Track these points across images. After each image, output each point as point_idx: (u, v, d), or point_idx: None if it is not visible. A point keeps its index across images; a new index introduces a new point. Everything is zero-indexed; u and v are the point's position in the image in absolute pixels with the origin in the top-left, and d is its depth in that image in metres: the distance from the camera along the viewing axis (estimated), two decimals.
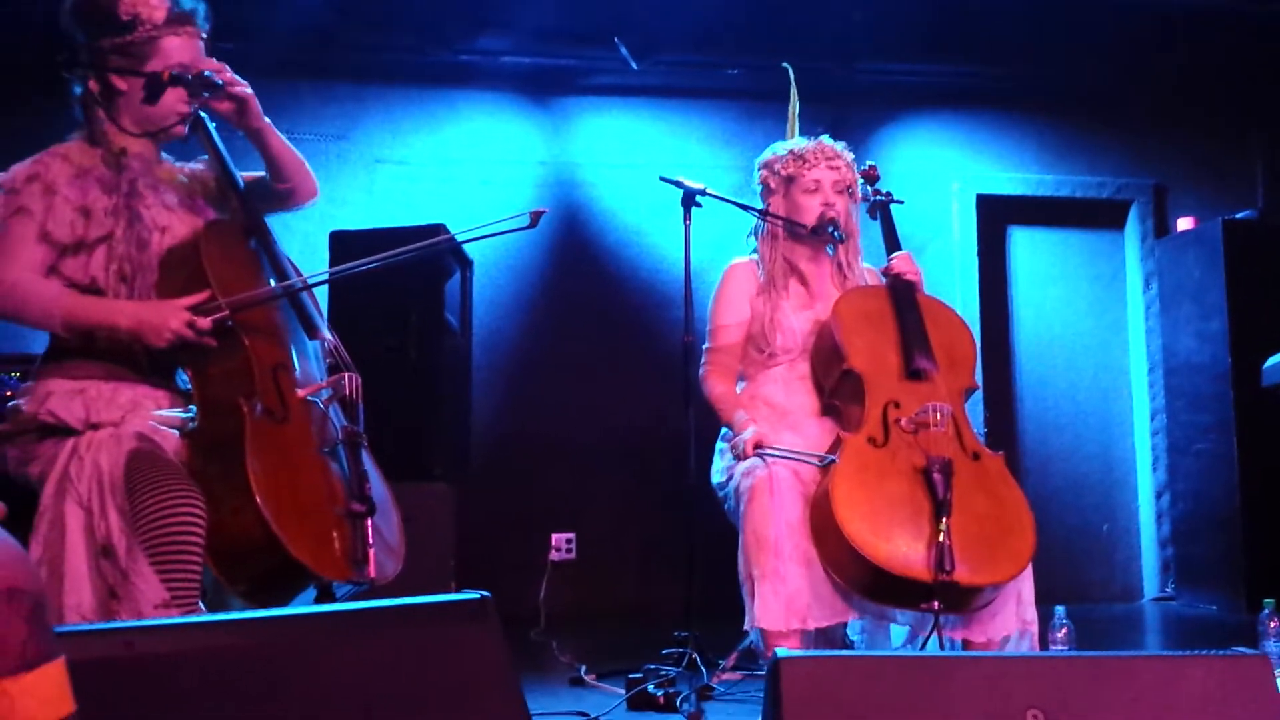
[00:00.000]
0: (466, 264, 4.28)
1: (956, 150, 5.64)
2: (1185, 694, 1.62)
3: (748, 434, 2.86)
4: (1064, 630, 3.16)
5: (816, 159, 3.09)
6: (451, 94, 5.24)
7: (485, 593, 1.61)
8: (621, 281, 5.20)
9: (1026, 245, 5.84)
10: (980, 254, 5.58)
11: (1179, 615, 5.09)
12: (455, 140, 5.21)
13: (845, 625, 2.82)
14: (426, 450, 3.61)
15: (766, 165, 3.18)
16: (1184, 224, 5.50)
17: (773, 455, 2.79)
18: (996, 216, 5.71)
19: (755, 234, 3.24)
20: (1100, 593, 5.53)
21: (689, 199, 3.42)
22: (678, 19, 5.11)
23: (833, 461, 2.68)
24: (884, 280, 3.06)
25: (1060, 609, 3.17)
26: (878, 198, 3.22)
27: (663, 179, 3.39)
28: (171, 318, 2.15)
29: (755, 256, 3.20)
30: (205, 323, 2.17)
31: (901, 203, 3.24)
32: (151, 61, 2.24)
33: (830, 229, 3.04)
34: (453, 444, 3.90)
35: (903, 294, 2.96)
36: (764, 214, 3.20)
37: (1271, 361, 3.01)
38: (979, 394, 5.42)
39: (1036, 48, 5.47)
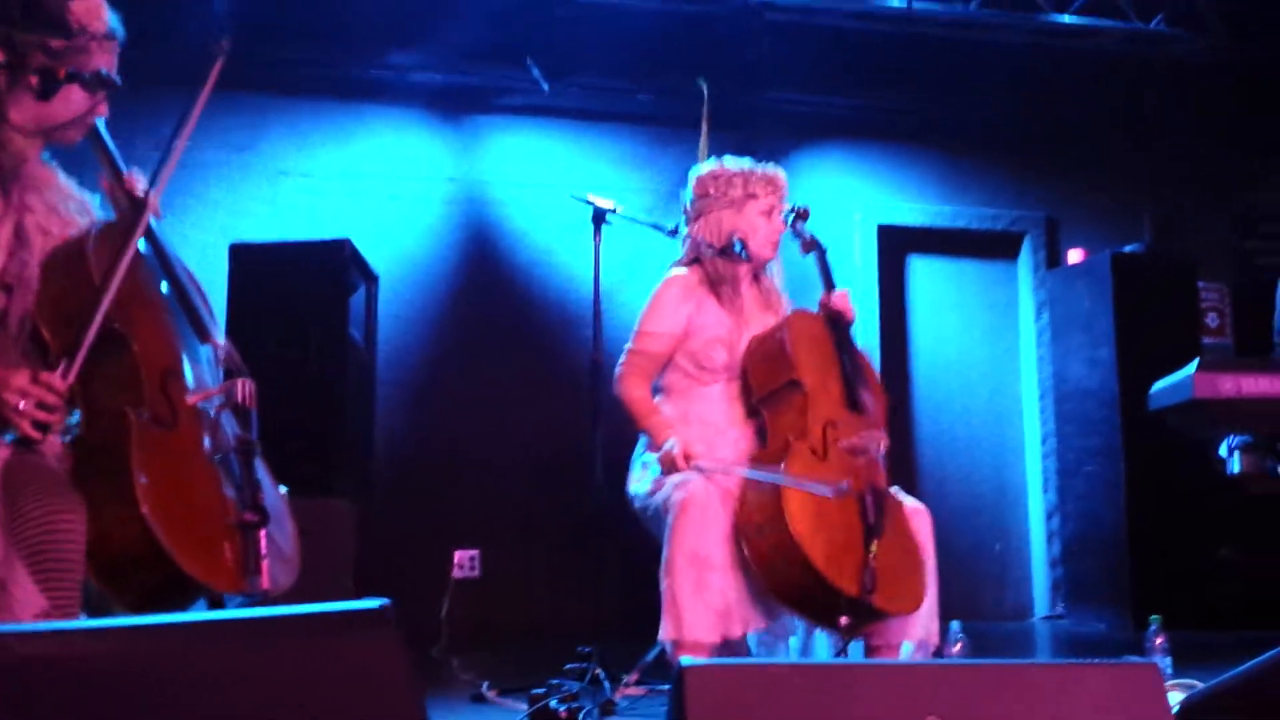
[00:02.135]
0: (371, 279, 4.21)
1: (859, 180, 5.75)
2: (1080, 701, 1.64)
3: (672, 445, 2.81)
4: (959, 645, 3.21)
5: (777, 187, 3.09)
6: (360, 108, 5.17)
7: (385, 600, 1.56)
8: (531, 300, 5.17)
9: (925, 274, 5.97)
10: (881, 282, 5.69)
11: (1068, 633, 5.21)
12: (363, 154, 5.13)
13: (745, 639, 2.82)
14: (327, 466, 3.52)
15: (719, 178, 3.07)
16: (1074, 256, 5.69)
17: (707, 469, 2.76)
18: (896, 246, 5.83)
19: (690, 244, 3.15)
20: (993, 611, 5.64)
21: (599, 217, 3.40)
22: (591, 42, 5.13)
23: (846, 491, 2.65)
24: (812, 312, 3.06)
25: (956, 624, 3.22)
26: (813, 237, 3.20)
27: (573, 197, 3.37)
28: (4, 390, 1.91)
29: (690, 270, 3.11)
30: (58, 383, 1.94)
31: (826, 249, 3.21)
32: (71, 67, 2.15)
33: (738, 249, 3.04)
34: (355, 460, 3.81)
35: (841, 330, 2.99)
36: (673, 233, 3.19)
37: (1159, 385, 3.10)
38: None
39: (940, 84, 5.64)
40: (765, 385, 2.90)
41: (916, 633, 2.77)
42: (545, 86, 5.18)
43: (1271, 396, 2.81)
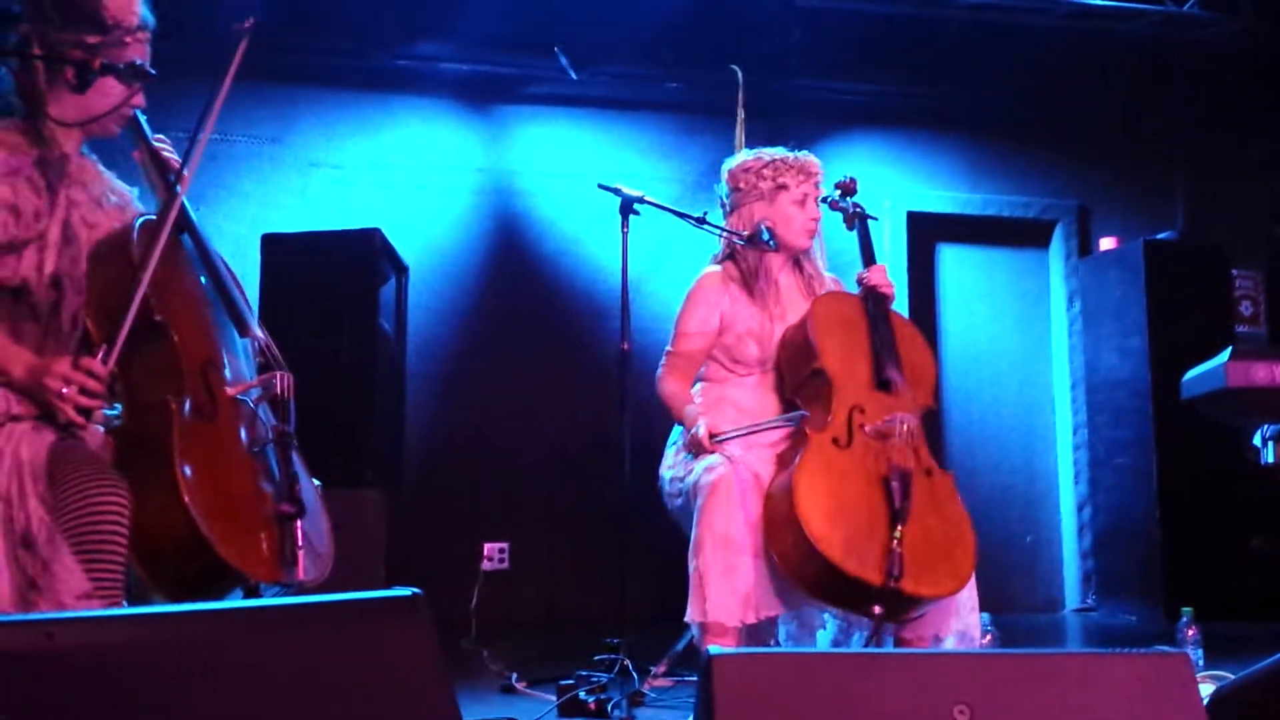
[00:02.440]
0: (402, 270, 4.24)
1: (889, 168, 5.72)
2: (1109, 690, 1.65)
3: (699, 428, 2.84)
4: (989, 637, 3.21)
5: (809, 173, 3.09)
6: (389, 99, 5.20)
7: (416, 589, 1.59)
8: (559, 290, 5.19)
9: (954, 262, 5.94)
10: (910, 270, 5.66)
11: (1100, 625, 5.19)
12: (391, 145, 5.16)
13: (776, 628, 2.83)
14: (359, 457, 3.56)
15: (751, 170, 3.07)
16: (1106, 244, 5.64)
17: (731, 436, 2.81)
18: (926, 234, 5.81)
19: (731, 245, 3.17)
20: (1023, 603, 5.63)
21: (627, 206, 3.40)
22: (619, 31, 5.13)
23: (804, 416, 2.73)
24: (854, 290, 3.07)
25: (985, 616, 3.21)
26: (856, 210, 3.21)
27: (601, 186, 3.38)
28: (47, 377, 1.99)
29: (724, 267, 3.13)
30: (99, 368, 2.00)
31: (876, 219, 3.25)
32: (106, 59, 2.18)
33: (765, 238, 3.03)
34: (386, 451, 3.85)
35: (876, 306, 2.98)
36: (700, 220, 3.20)
37: (1190, 374, 3.08)
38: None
39: (968, 70, 5.60)
40: (794, 376, 2.91)
41: (953, 626, 2.74)
42: (573, 75, 5.19)
43: None
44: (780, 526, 2.62)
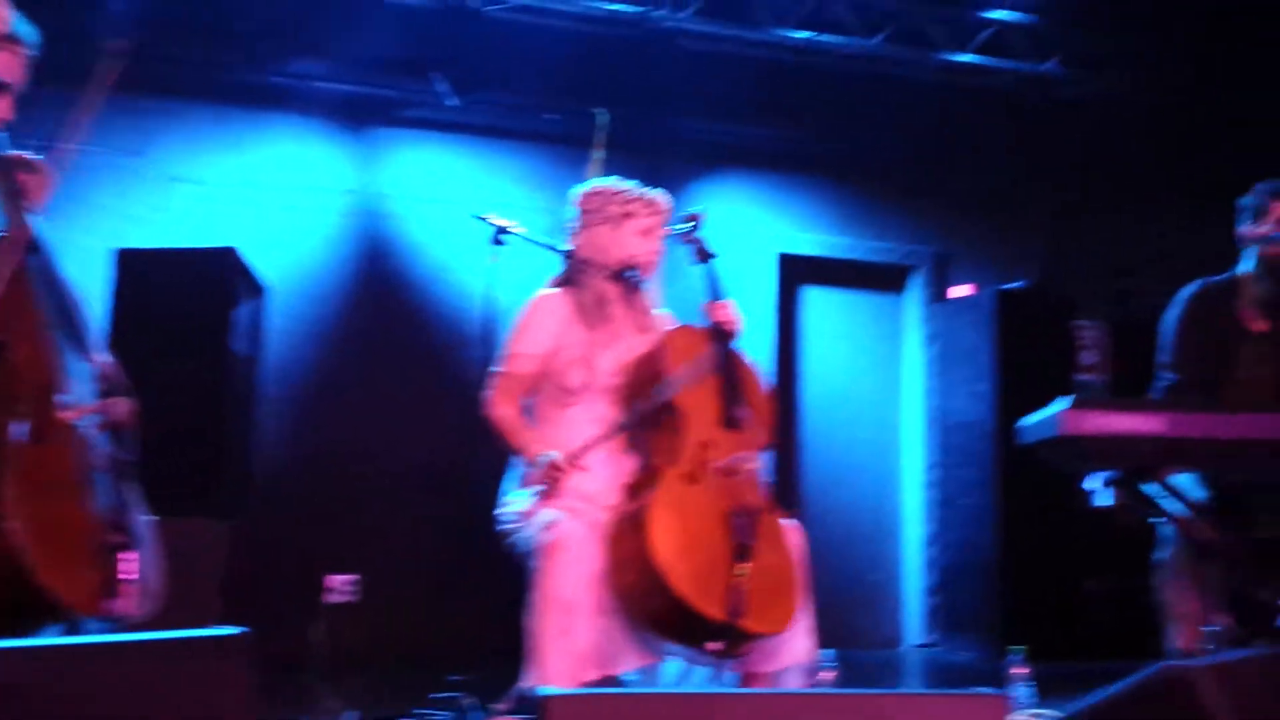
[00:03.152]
0: (260, 290, 4.14)
1: (762, 209, 5.85)
2: None
3: (551, 455, 2.80)
4: (829, 673, 3.26)
5: (657, 208, 3.10)
6: (258, 115, 5.09)
7: (243, 629, 1.55)
8: (424, 316, 5.14)
9: (818, 304, 6.10)
10: (779, 309, 5.79)
11: (938, 661, 5.34)
12: (259, 163, 5.05)
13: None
14: (202, 484, 3.45)
15: (602, 194, 3.07)
16: (959, 291, 5.85)
17: (590, 449, 2.76)
18: (794, 275, 5.94)
19: (570, 264, 3.16)
20: (868, 639, 5.76)
21: (496, 235, 3.39)
22: (500, 60, 5.13)
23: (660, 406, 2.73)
24: (695, 326, 3.07)
25: (828, 652, 3.27)
26: (702, 244, 3.22)
27: (473, 216, 3.35)
28: None
29: (562, 290, 3.12)
30: None
31: (716, 255, 3.27)
32: None
33: (631, 273, 3.04)
34: (231, 478, 3.74)
35: (724, 342, 2.99)
36: (568, 256, 3.19)
37: (1028, 420, 3.19)
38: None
39: (842, 117, 5.76)
40: (640, 407, 2.89)
41: (793, 656, 2.77)
42: (451, 101, 5.16)
43: (1137, 434, 2.92)
44: (627, 559, 2.61)
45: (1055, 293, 5.81)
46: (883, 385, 6.09)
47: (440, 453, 4.85)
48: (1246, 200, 3.50)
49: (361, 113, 5.23)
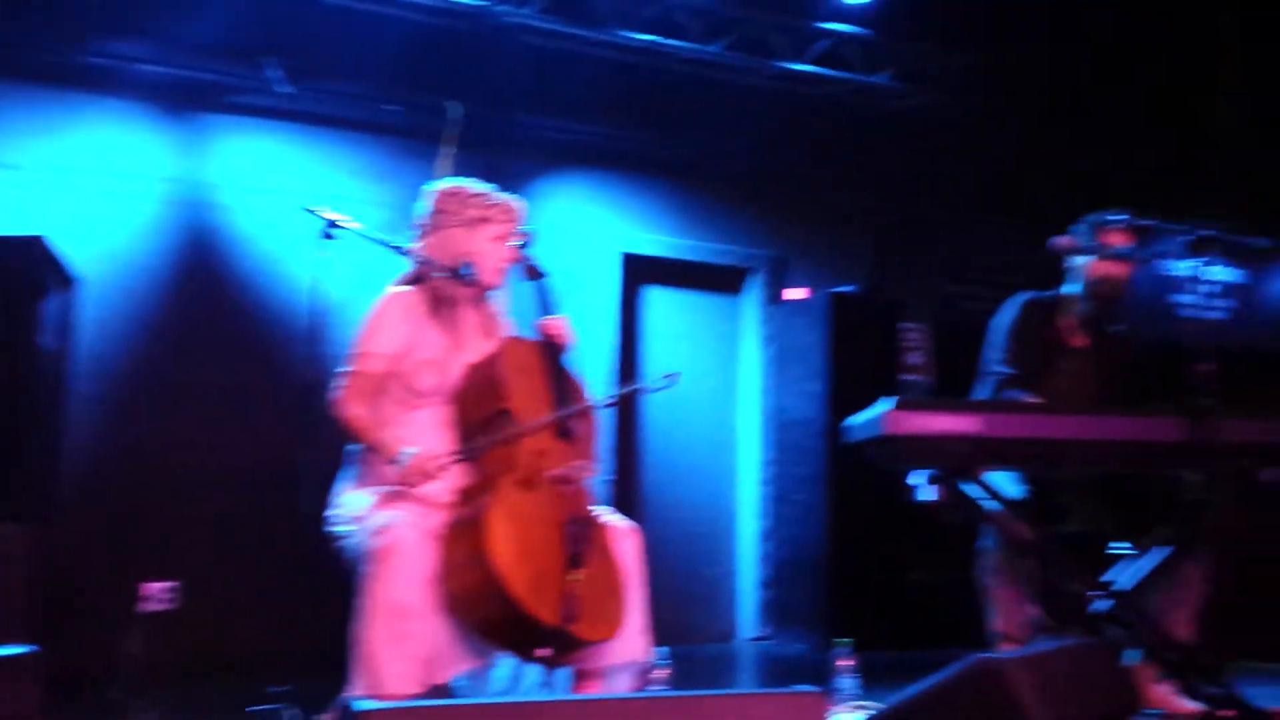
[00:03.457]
0: (70, 281, 3.88)
1: (605, 209, 5.82)
2: None
3: (413, 452, 2.70)
4: (663, 670, 3.26)
5: (513, 214, 3.04)
6: (76, 98, 4.78)
7: (33, 646, 1.42)
8: (250, 311, 4.92)
9: (659, 304, 6.12)
10: (621, 308, 5.79)
11: (771, 654, 5.43)
12: (75, 147, 4.74)
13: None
14: (3, 486, 3.20)
15: (458, 196, 3.00)
16: (795, 293, 5.97)
17: (472, 452, 2.69)
18: (636, 275, 5.95)
19: (421, 263, 3.06)
20: (704, 634, 5.81)
21: (326, 229, 3.25)
22: (338, 48, 4.97)
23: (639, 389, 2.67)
24: (528, 339, 3.04)
25: (662, 650, 3.27)
26: (533, 262, 3.17)
27: (303, 208, 3.20)
28: None
29: (413, 289, 3.02)
30: None
31: (548, 275, 3.21)
32: None
33: (466, 273, 2.97)
34: (37, 480, 3.49)
35: (554, 355, 2.97)
36: (404, 252, 3.09)
37: (854, 420, 3.25)
38: (609, 443, 5.58)
39: (682, 118, 5.80)
40: (476, 414, 2.85)
41: (626, 655, 2.77)
42: (284, 89, 4.96)
43: (954, 434, 3.00)
44: (463, 563, 2.56)
45: (884, 297, 5.99)
46: (721, 384, 6.16)
47: (264, 453, 4.64)
48: (1077, 229, 3.72)
49: (187, 98, 4.97)
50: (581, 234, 5.68)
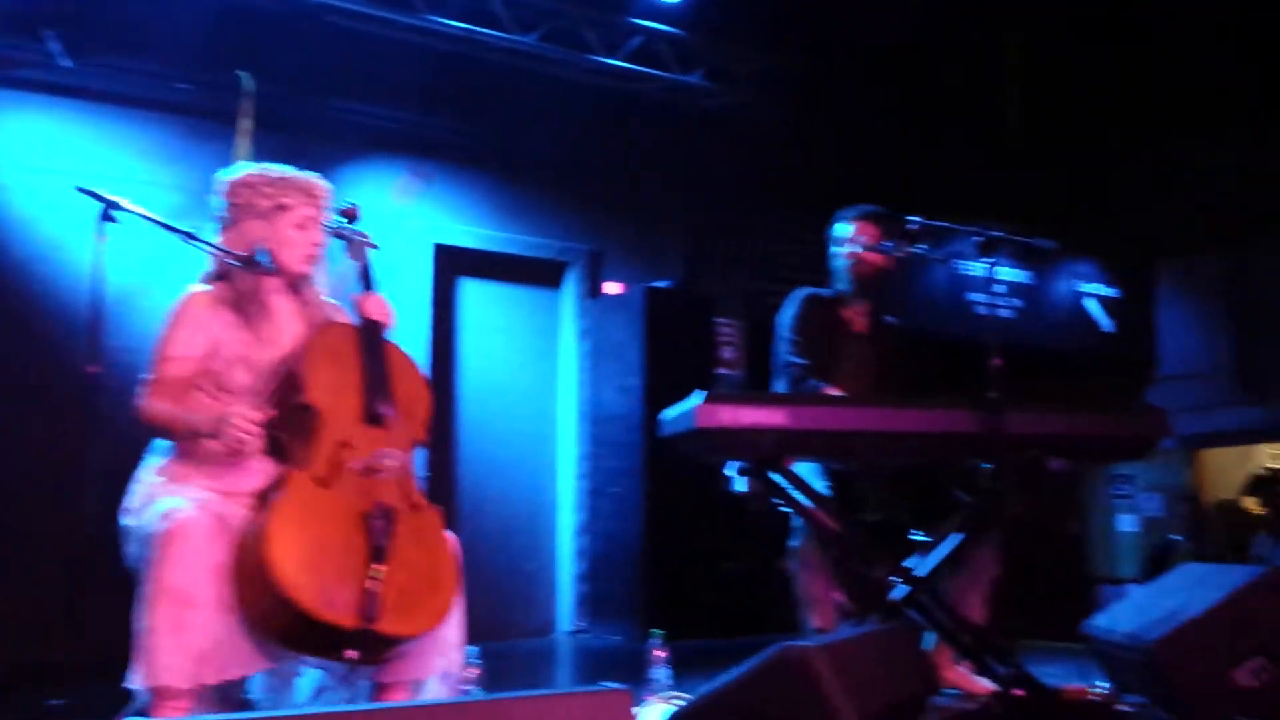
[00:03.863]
0: None
1: (418, 198, 5.64)
2: None
3: (231, 413, 2.53)
4: (475, 671, 3.18)
5: (314, 196, 2.86)
6: None
7: None
8: (30, 300, 4.54)
9: (476, 296, 5.99)
10: (434, 301, 5.64)
11: (589, 647, 5.41)
12: None
13: (244, 683, 2.59)
14: None
15: (250, 185, 2.82)
16: (611, 288, 5.97)
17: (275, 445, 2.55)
18: (451, 266, 5.81)
19: (224, 264, 2.87)
20: (522, 629, 5.74)
21: (105, 211, 3.01)
22: (125, 20, 4.64)
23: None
24: (342, 322, 2.89)
25: (473, 649, 3.18)
26: (359, 238, 3.03)
27: (79, 189, 2.96)
28: None
29: (215, 287, 2.83)
30: None
31: (376, 247, 3.09)
32: None
33: (267, 264, 2.81)
34: None
35: (371, 336, 2.83)
36: (189, 236, 2.89)
37: (668, 414, 3.27)
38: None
39: (496, 108, 5.69)
40: (280, 409, 2.70)
41: (435, 666, 2.66)
42: (65, 63, 4.60)
43: (762, 427, 3.05)
44: (249, 575, 2.41)
45: (697, 293, 6.07)
46: (539, 378, 6.09)
47: (47, 449, 4.30)
48: (836, 225, 3.92)
49: None
50: (392, 223, 5.49)
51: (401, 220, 5.54)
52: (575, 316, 6.13)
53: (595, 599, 5.72)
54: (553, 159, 6.00)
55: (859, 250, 3.85)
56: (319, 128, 5.30)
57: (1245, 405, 7.70)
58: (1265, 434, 8.21)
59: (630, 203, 6.31)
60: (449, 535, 2.78)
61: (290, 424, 2.69)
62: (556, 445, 6.07)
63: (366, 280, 2.95)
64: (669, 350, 5.57)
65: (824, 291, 3.94)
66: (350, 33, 5.14)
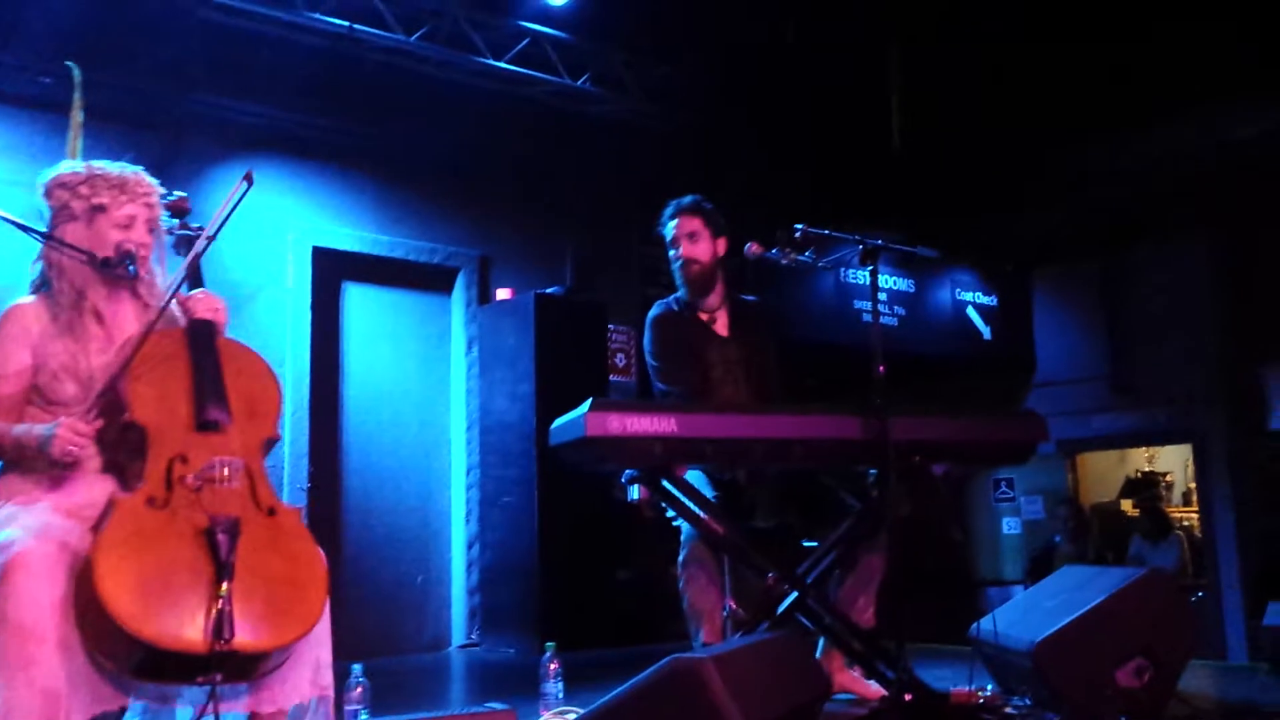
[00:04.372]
0: None
1: (294, 199, 5.47)
2: None
3: (57, 424, 2.38)
4: (359, 689, 3.05)
5: (135, 192, 2.68)
6: None
7: None
8: None
9: (361, 302, 5.83)
10: (314, 307, 5.45)
11: (482, 661, 5.29)
12: None
13: (122, 713, 2.42)
14: None
15: (65, 185, 2.64)
16: (502, 294, 5.87)
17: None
18: (333, 271, 5.64)
19: (44, 264, 2.70)
20: (413, 644, 5.60)
21: None
22: None
23: None
24: (168, 326, 2.72)
25: (357, 667, 3.06)
26: (184, 232, 2.87)
27: None
28: None
29: (38, 297, 2.66)
30: None
31: (211, 240, 2.92)
32: None
33: (126, 263, 2.64)
34: None
35: (200, 337, 2.65)
36: (46, 236, 2.71)
37: (557, 423, 3.19)
38: (304, 447, 5.26)
39: (385, 111, 5.55)
40: (109, 432, 2.52)
41: (303, 692, 2.49)
42: None
43: (651, 435, 2.99)
44: (86, 609, 2.24)
45: (590, 298, 6.01)
46: (429, 386, 5.95)
47: None
48: (660, 225, 3.81)
49: None
50: (268, 225, 5.30)
51: (277, 222, 5.34)
52: (465, 323, 6.02)
53: (488, 612, 5.60)
54: (440, 162, 5.89)
55: (680, 251, 3.69)
56: (193, 125, 5.10)
57: (1120, 410, 7.97)
58: (1139, 438, 8.54)
59: (520, 208, 6.23)
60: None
61: (123, 444, 2.53)
62: (447, 455, 5.93)
63: (195, 277, 2.78)
64: (561, 357, 5.49)
65: (674, 302, 3.77)
66: (226, 28, 4.96)
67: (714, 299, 3.75)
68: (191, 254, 2.74)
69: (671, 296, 3.81)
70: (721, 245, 3.72)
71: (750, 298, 3.88)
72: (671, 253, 3.76)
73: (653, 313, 3.77)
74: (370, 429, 5.70)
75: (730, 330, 3.75)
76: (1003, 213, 7.81)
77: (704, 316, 3.74)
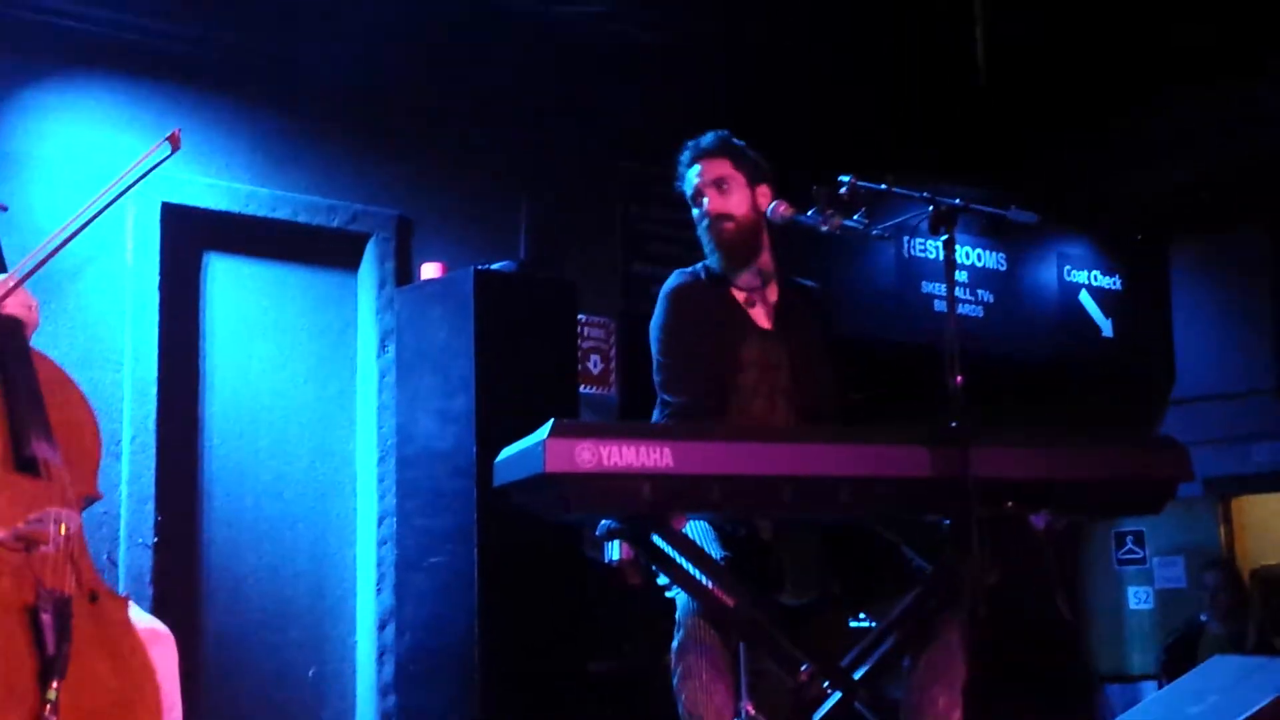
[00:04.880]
0: None
1: (135, 137, 5.43)
2: None
3: None
4: None
5: None
6: None
7: None
8: None
9: (230, 280, 5.86)
10: (164, 289, 5.46)
11: None
12: None
13: None
14: None
15: None
16: (429, 270, 5.86)
17: None
18: (190, 237, 5.66)
19: None
20: None
21: None
22: None
23: None
24: None
25: None
26: None
27: None
28: None
29: None
30: None
31: (6, 209, 2.97)
32: None
33: None
34: None
35: (9, 343, 2.69)
36: None
37: (505, 454, 3.19)
38: (148, 487, 5.25)
39: (268, 18, 5.59)
40: None
41: None
42: None
43: (639, 471, 2.97)
44: None
45: (552, 277, 5.99)
46: (325, 400, 6.00)
47: None
48: (680, 174, 3.77)
49: None
50: (96, 173, 5.25)
51: (100, 161, 5.28)
52: (377, 311, 6.04)
53: (408, 714, 5.59)
54: (343, 86, 5.90)
55: (707, 206, 3.64)
56: None
57: None
58: None
59: (456, 151, 6.25)
60: (160, 631, 2.74)
61: None
62: (352, 497, 5.97)
63: None
64: (511, 360, 5.48)
65: (702, 270, 3.75)
66: None
67: (755, 274, 3.71)
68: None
69: (700, 264, 3.77)
70: (764, 196, 3.69)
71: (808, 282, 3.86)
72: (695, 212, 3.73)
73: (670, 283, 3.75)
74: (243, 461, 5.72)
75: (775, 321, 3.71)
76: (1127, 164, 7.82)
77: (740, 296, 3.69)
